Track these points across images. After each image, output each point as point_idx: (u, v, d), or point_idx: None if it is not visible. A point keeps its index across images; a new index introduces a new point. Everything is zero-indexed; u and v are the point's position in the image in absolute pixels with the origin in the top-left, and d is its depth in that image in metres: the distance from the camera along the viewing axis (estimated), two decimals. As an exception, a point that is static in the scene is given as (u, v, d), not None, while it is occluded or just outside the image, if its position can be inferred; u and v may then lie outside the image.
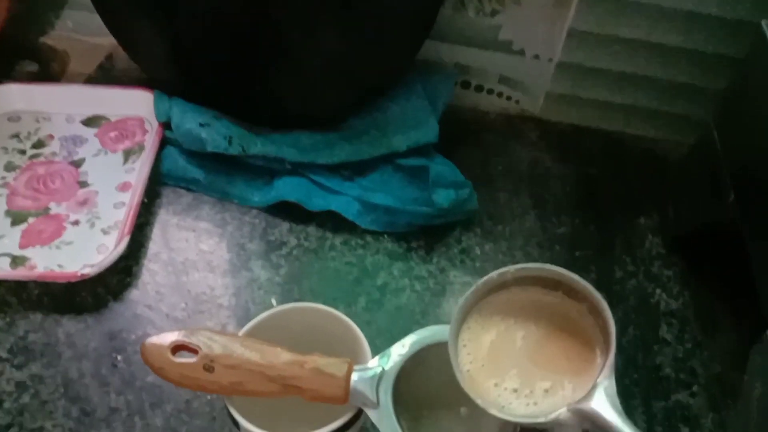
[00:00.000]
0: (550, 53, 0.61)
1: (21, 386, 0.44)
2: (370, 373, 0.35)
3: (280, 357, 0.35)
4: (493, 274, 0.34)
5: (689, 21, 0.57)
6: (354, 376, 0.35)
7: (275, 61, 0.55)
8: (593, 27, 0.59)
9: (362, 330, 0.38)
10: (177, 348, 0.35)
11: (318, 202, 0.55)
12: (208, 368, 0.34)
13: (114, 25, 0.58)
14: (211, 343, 0.35)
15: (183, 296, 0.50)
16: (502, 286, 0.35)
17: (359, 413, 0.35)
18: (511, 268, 0.34)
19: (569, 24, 0.59)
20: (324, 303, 0.50)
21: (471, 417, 0.38)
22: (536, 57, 0.62)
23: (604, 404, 0.29)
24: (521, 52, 0.62)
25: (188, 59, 0.58)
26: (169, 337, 0.35)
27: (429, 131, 0.57)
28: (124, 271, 0.51)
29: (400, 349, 0.36)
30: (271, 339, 0.36)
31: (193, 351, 0.35)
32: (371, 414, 0.34)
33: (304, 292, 0.51)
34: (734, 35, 0.56)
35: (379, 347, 0.37)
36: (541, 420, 0.30)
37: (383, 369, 0.35)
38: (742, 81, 0.48)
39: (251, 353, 0.35)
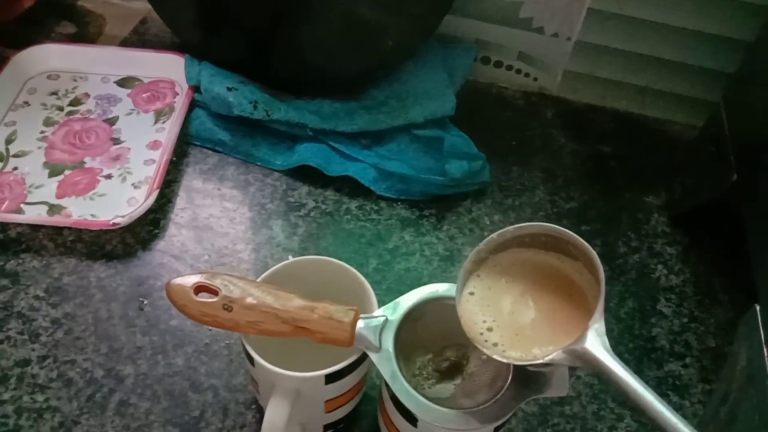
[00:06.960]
0: (569, 32, 0.63)
1: (56, 323, 0.48)
2: (374, 321, 0.38)
3: (293, 302, 0.37)
4: (494, 235, 0.37)
5: (705, 4, 0.58)
6: (360, 323, 0.37)
7: (297, 24, 0.58)
8: (612, 7, 0.60)
9: (372, 287, 0.40)
10: (199, 289, 0.38)
11: (336, 167, 0.58)
12: (227, 308, 0.37)
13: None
14: (231, 286, 0.38)
15: (206, 249, 0.53)
16: (503, 246, 0.37)
17: (364, 356, 0.38)
18: (509, 228, 0.36)
19: (588, 3, 0.60)
20: (337, 261, 0.53)
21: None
22: (555, 35, 0.63)
23: (595, 343, 0.31)
24: (540, 30, 0.63)
25: (217, 24, 0.60)
26: (192, 279, 0.38)
27: (446, 104, 0.59)
28: (152, 223, 0.54)
29: (404, 302, 0.39)
30: (286, 287, 0.39)
31: (214, 292, 0.38)
32: (373, 357, 0.37)
33: (319, 252, 0.53)
34: (748, 19, 0.57)
35: (386, 303, 0.39)
36: (538, 361, 0.33)
37: (386, 318, 0.38)
38: (752, 65, 0.49)
39: (267, 297, 0.37)
